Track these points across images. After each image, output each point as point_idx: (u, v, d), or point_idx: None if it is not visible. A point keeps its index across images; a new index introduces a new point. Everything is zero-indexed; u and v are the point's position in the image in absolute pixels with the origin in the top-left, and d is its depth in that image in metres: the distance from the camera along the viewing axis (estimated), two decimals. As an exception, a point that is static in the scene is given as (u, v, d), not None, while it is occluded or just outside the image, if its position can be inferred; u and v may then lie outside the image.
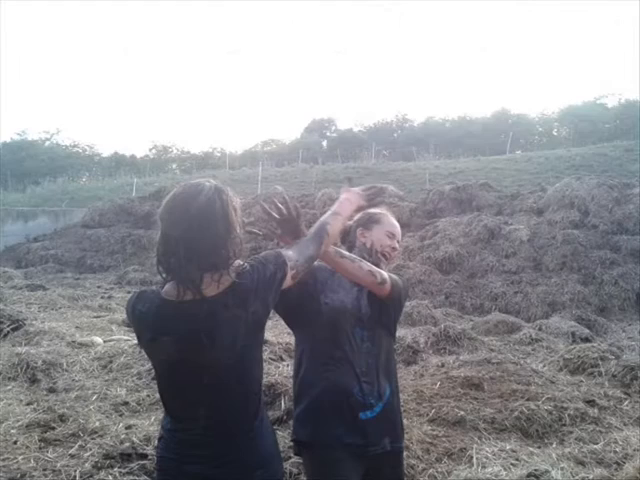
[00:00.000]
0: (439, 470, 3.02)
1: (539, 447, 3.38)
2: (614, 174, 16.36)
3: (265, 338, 3.77)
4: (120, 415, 3.88)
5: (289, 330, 2.01)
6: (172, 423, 1.46)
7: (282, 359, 4.91)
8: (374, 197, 1.84)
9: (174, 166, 39.86)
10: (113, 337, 6.11)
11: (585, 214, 11.27)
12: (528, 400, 3.96)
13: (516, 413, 3.75)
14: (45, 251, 15.04)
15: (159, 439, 1.52)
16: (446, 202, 13.54)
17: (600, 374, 4.82)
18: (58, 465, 2.97)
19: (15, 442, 3.26)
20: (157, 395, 3.26)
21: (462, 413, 3.77)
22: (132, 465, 2.96)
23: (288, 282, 1.49)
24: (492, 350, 5.83)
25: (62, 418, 3.67)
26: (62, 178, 29.94)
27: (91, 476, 2.86)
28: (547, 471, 2.88)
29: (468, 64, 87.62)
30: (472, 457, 3.15)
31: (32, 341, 5.59)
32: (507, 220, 11.63)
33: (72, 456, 3.11)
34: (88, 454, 3.11)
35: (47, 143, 40.06)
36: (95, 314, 7.91)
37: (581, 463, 3.07)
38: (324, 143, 41.82)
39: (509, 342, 6.51)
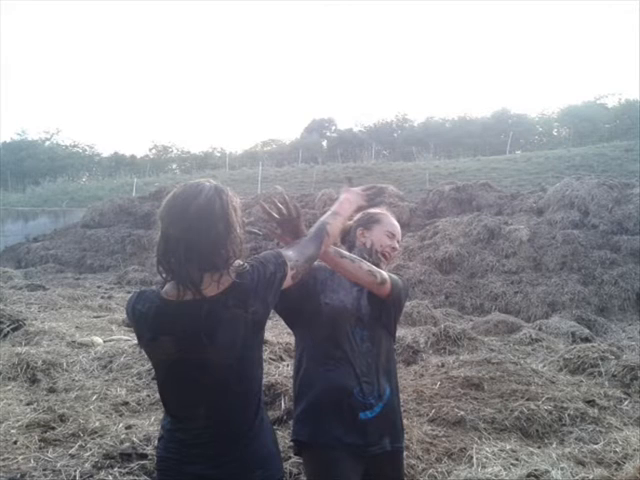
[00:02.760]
0: (439, 470, 3.02)
1: (539, 447, 3.38)
2: (614, 174, 16.36)
3: (265, 338, 3.79)
4: (120, 415, 3.87)
5: (289, 330, 2.01)
6: (172, 423, 1.46)
7: (282, 359, 4.91)
8: (374, 197, 1.84)
9: (174, 166, 39.86)
10: (113, 337, 6.11)
11: (585, 214, 11.27)
12: (528, 400, 3.96)
13: (516, 413, 3.75)
14: (45, 251, 15.05)
15: (159, 439, 1.52)
16: (446, 202, 13.54)
17: (600, 374, 4.83)
18: (58, 465, 2.96)
19: (15, 442, 3.26)
20: (157, 395, 3.26)
21: (462, 413, 3.77)
22: (132, 465, 2.96)
23: (288, 282, 1.49)
24: (492, 350, 5.83)
25: (62, 418, 3.66)
26: (62, 178, 30.00)
27: (91, 476, 2.86)
28: (547, 471, 2.88)
29: (468, 64, 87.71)
30: (472, 457, 3.15)
31: (32, 341, 5.59)
32: (507, 220, 11.63)
33: (72, 456, 3.10)
34: (88, 454, 3.10)
35: (47, 143, 40.08)
36: (95, 314, 7.91)
37: (581, 463, 3.07)
38: (324, 143, 41.82)
39: (509, 342, 6.51)
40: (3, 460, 3.01)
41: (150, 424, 3.59)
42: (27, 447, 3.20)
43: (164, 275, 1.41)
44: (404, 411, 3.23)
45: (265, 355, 4.69)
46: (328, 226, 1.64)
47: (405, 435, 2.12)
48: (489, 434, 3.54)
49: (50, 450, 3.18)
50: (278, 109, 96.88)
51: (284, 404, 3.75)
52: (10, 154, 34.16)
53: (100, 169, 39.26)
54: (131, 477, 2.87)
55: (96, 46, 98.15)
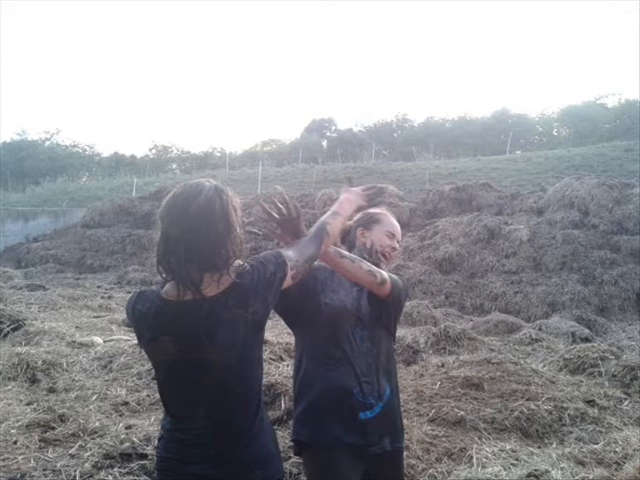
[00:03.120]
0: (439, 470, 3.02)
1: (539, 447, 3.38)
2: (614, 174, 16.36)
3: (265, 338, 3.78)
4: (120, 415, 3.87)
5: (289, 330, 2.01)
6: (172, 423, 1.46)
7: (282, 359, 4.91)
8: (374, 197, 1.84)
9: (174, 166, 39.86)
10: (113, 337, 6.11)
11: (585, 214, 11.27)
12: (528, 400, 3.96)
13: (516, 413, 3.75)
14: (45, 251, 15.05)
15: (159, 439, 1.52)
16: (446, 202, 13.54)
17: (600, 374, 4.83)
18: (58, 465, 2.96)
19: (15, 442, 3.26)
20: (157, 395, 3.26)
21: (462, 413, 3.77)
22: (132, 465, 2.96)
23: (288, 282, 1.49)
24: (492, 350, 5.83)
25: (62, 418, 3.66)
26: (62, 178, 30.02)
27: (91, 476, 2.86)
28: (547, 471, 2.88)
29: (468, 64, 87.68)
30: (472, 457, 3.14)
31: (32, 341, 5.59)
32: (507, 220, 11.63)
33: (72, 456, 3.10)
34: (88, 454, 3.10)
35: (47, 143, 40.07)
36: (95, 314, 7.91)
37: (581, 463, 3.07)
38: (324, 143, 41.81)
39: (509, 342, 6.51)
40: (3, 460, 3.01)
41: (150, 424, 3.59)
42: (27, 447, 3.20)
43: (164, 275, 1.41)
44: (404, 411, 3.23)
45: (265, 355, 4.69)
46: (328, 226, 1.64)
47: (405, 435, 2.12)
48: (489, 434, 3.54)
49: (50, 450, 3.18)
50: (278, 109, 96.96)
51: (284, 404, 3.75)
52: (10, 154, 34.17)
53: (100, 169, 39.26)
54: (131, 477, 2.87)
55: (96, 46, 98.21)
